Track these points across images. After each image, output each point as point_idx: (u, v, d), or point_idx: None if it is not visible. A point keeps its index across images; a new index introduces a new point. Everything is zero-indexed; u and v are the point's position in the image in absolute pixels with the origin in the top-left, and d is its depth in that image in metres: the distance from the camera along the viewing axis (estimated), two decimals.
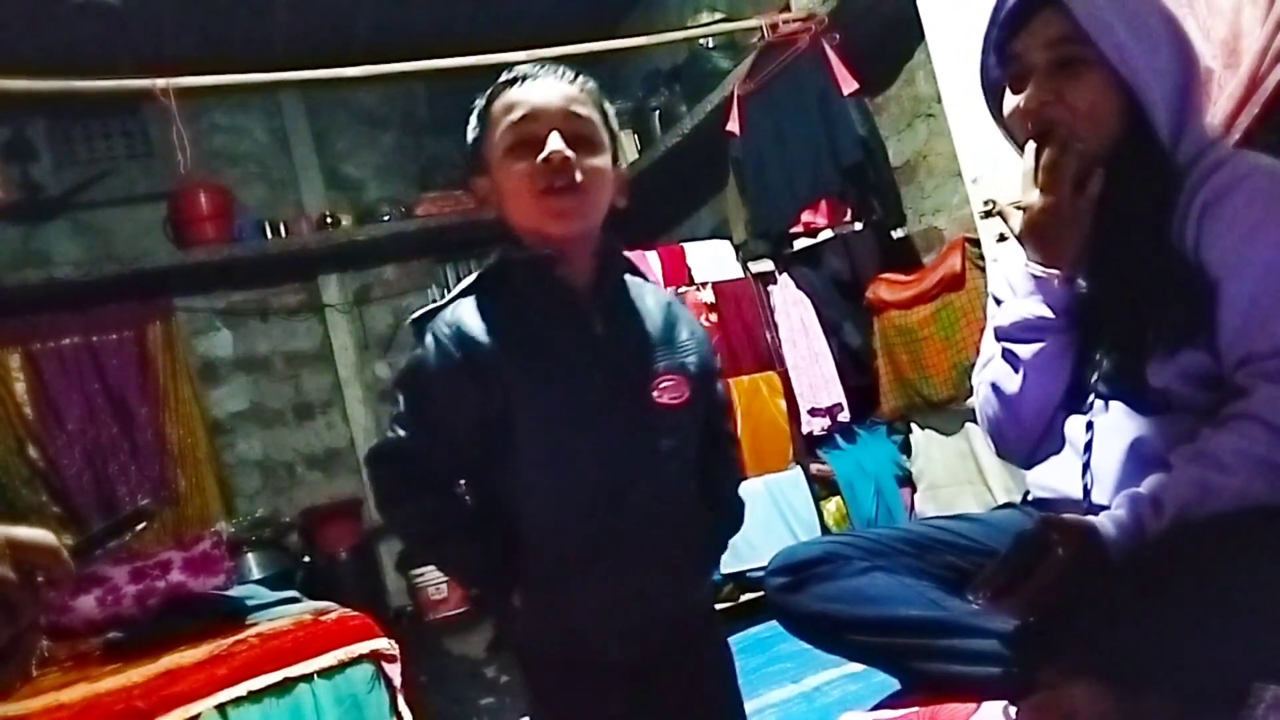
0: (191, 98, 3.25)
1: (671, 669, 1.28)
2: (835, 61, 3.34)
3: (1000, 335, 1.38)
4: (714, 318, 3.58)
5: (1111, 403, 1.27)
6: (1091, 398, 1.29)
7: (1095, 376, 1.29)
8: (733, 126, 3.75)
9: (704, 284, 3.63)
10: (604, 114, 1.26)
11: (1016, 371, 1.36)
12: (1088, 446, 1.28)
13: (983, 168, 2.49)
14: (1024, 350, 1.35)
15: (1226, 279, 1.15)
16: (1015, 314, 1.34)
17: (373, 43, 3.66)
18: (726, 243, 3.82)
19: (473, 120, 1.27)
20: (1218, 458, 1.10)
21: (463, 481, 1.28)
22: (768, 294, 3.66)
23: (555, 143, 1.17)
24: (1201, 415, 1.18)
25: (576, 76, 1.24)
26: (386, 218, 4.66)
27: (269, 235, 4.59)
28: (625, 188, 1.30)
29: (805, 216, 3.51)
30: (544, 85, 1.22)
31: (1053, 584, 1.11)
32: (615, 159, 1.26)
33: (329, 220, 4.69)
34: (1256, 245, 1.14)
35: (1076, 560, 1.11)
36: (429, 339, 1.21)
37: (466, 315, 1.21)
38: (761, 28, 3.55)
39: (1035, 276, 1.31)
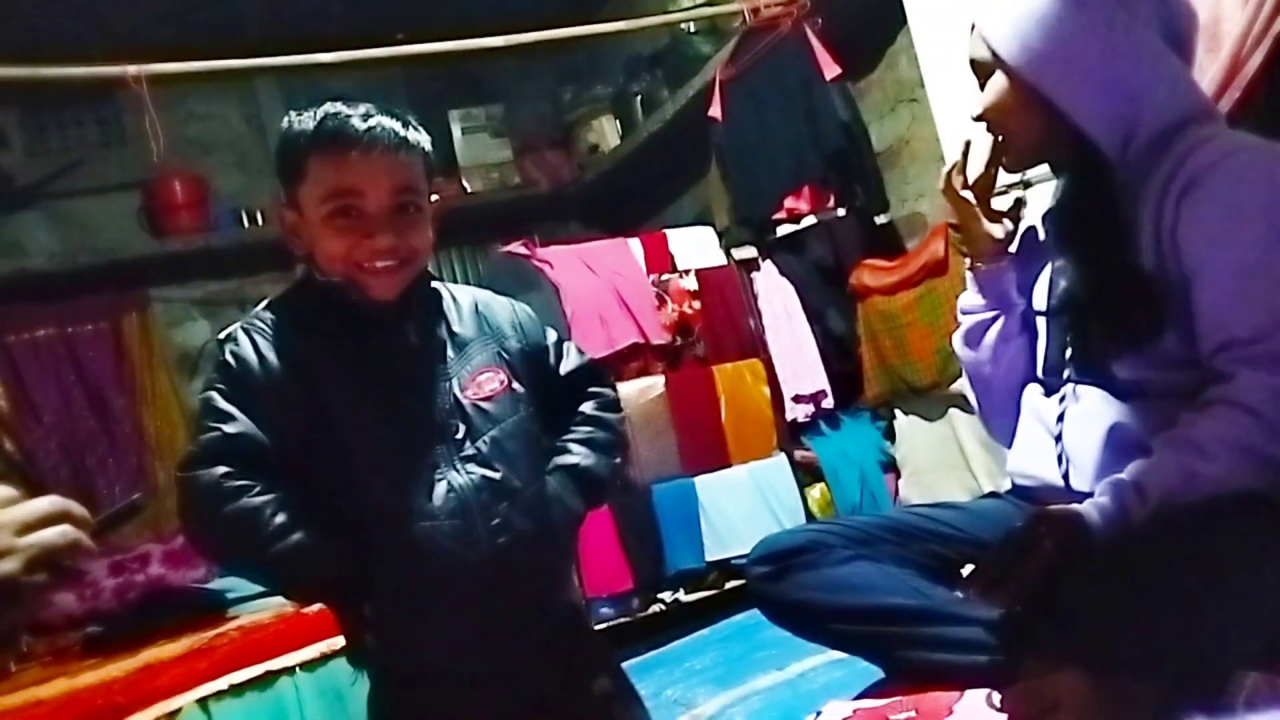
0: (165, 85, 3.20)
1: (536, 677, 1.24)
2: (817, 46, 3.33)
3: (961, 323, 1.48)
4: (697, 305, 3.57)
5: (1084, 387, 1.27)
6: (1066, 381, 1.30)
7: (1067, 362, 1.30)
8: (715, 112, 3.73)
9: (687, 271, 3.61)
10: (427, 161, 1.24)
11: (978, 354, 1.45)
12: (1060, 433, 1.30)
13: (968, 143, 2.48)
14: (981, 337, 1.44)
15: (1205, 263, 1.15)
16: (963, 303, 1.46)
17: (349, 29, 3.61)
18: (709, 229, 3.81)
19: (282, 149, 1.21)
20: (1200, 444, 1.10)
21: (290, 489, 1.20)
22: (751, 281, 3.65)
23: (384, 238, 1.17)
24: (1175, 398, 1.18)
25: (406, 133, 1.20)
26: None
27: (245, 224, 4.54)
28: (440, 215, 1.28)
29: (788, 202, 3.51)
30: (373, 160, 1.16)
31: (1041, 574, 1.11)
32: (430, 194, 1.24)
33: None
34: (1236, 229, 1.14)
35: (1064, 550, 1.11)
36: (224, 363, 1.20)
37: (278, 335, 1.21)
38: (743, 12, 3.53)
39: (969, 270, 1.44)
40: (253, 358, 1.19)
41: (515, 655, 1.23)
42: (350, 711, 2.17)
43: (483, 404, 1.24)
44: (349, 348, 1.22)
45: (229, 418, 1.16)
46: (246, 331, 1.23)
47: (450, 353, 1.26)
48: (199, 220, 4.38)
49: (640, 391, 3.35)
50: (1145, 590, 1.05)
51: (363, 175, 1.16)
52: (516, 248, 3.54)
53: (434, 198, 1.26)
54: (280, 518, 1.14)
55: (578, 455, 1.32)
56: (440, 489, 1.19)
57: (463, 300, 1.34)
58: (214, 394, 1.19)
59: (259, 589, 2.51)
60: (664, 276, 3.57)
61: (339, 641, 2.23)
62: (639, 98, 4.36)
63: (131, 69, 2.88)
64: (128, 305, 4.32)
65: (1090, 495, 1.17)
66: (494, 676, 1.22)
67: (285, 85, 4.84)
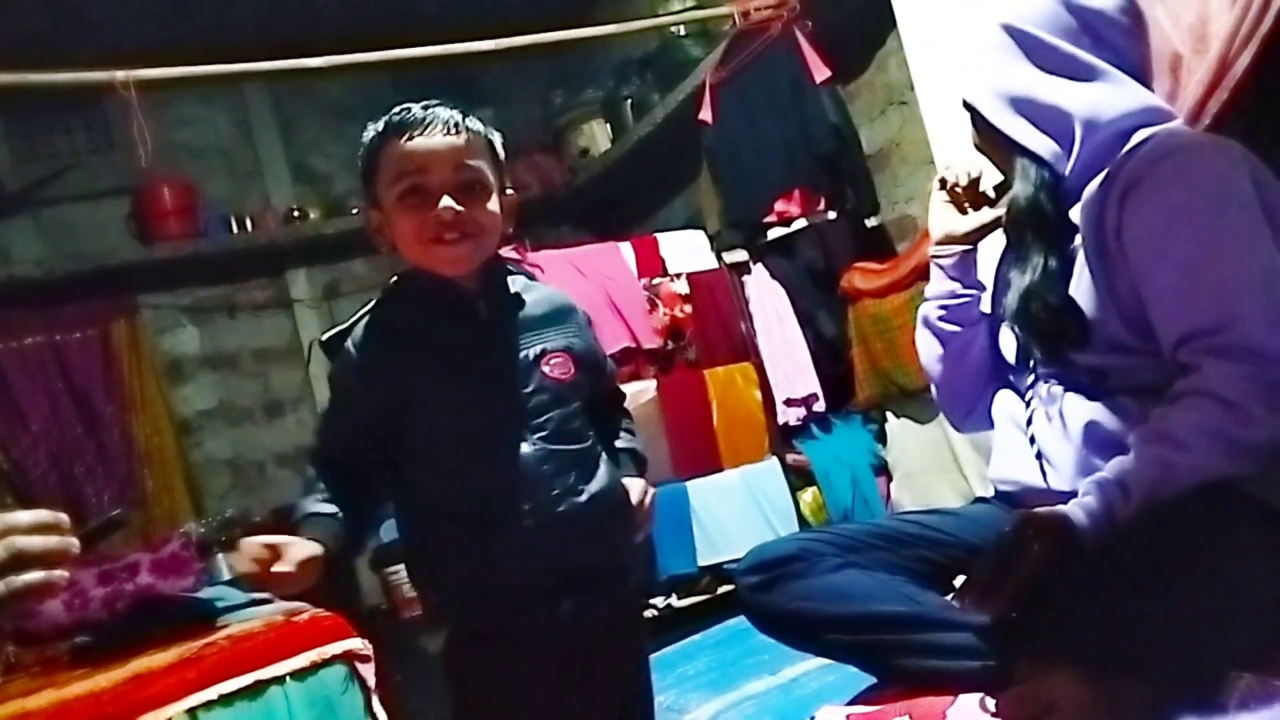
0: (153, 90, 3.18)
1: (590, 639, 1.34)
2: (807, 49, 3.33)
3: (922, 313, 1.56)
4: (688, 308, 3.57)
5: (1052, 387, 1.30)
6: (1031, 377, 1.36)
7: (1031, 358, 1.35)
8: (705, 115, 3.73)
9: (678, 275, 3.61)
10: (493, 152, 1.35)
11: (940, 337, 1.54)
12: (1032, 435, 1.33)
13: (955, 155, 2.48)
14: (941, 327, 1.53)
15: (1154, 262, 1.19)
16: (930, 290, 1.55)
17: (338, 33, 3.61)
18: (700, 233, 3.81)
19: (363, 155, 1.34)
20: (1174, 436, 1.12)
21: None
22: (742, 284, 3.65)
23: (447, 202, 1.26)
24: (1144, 393, 1.20)
25: (464, 121, 1.31)
26: (355, 211, 4.60)
27: (235, 230, 4.52)
28: (515, 211, 1.39)
29: (779, 206, 3.51)
30: (433, 140, 1.28)
31: (1032, 579, 1.11)
32: (503, 189, 1.35)
33: (296, 214, 4.63)
34: (1180, 227, 1.17)
35: (1053, 552, 1.11)
36: (342, 354, 1.34)
37: (370, 327, 1.34)
38: (733, 15, 3.53)
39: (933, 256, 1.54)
40: (352, 350, 1.33)
41: (567, 619, 1.31)
42: None
43: (552, 385, 1.33)
44: (431, 327, 1.32)
45: (333, 417, 1.38)
46: (352, 329, 1.37)
47: (525, 333, 1.36)
48: (188, 226, 4.36)
49: (632, 396, 3.33)
50: (1137, 591, 1.05)
51: (424, 154, 1.27)
52: (507, 252, 3.53)
53: (509, 192, 1.37)
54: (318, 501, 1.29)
55: (636, 443, 1.50)
56: (511, 458, 1.28)
57: (537, 289, 1.43)
58: (330, 392, 1.41)
59: (249, 598, 2.50)
60: (655, 280, 3.57)
61: (330, 650, 2.22)
62: (629, 101, 4.35)
63: (120, 74, 2.87)
64: (116, 312, 4.30)
65: (1072, 494, 1.18)
66: (546, 637, 1.31)
67: (274, 89, 4.83)
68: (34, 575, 0.86)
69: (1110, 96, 1.29)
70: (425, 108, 1.30)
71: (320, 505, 1.28)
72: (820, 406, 3.58)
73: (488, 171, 1.32)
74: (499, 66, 4.34)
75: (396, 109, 1.32)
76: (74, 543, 0.91)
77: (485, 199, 1.30)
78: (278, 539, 1.21)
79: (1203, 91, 1.76)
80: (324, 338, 1.39)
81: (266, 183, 4.82)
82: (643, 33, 4.03)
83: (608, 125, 4.57)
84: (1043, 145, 1.31)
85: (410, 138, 1.28)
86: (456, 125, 1.30)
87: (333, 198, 4.79)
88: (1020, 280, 1.32)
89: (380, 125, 1.32)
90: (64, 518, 0.91)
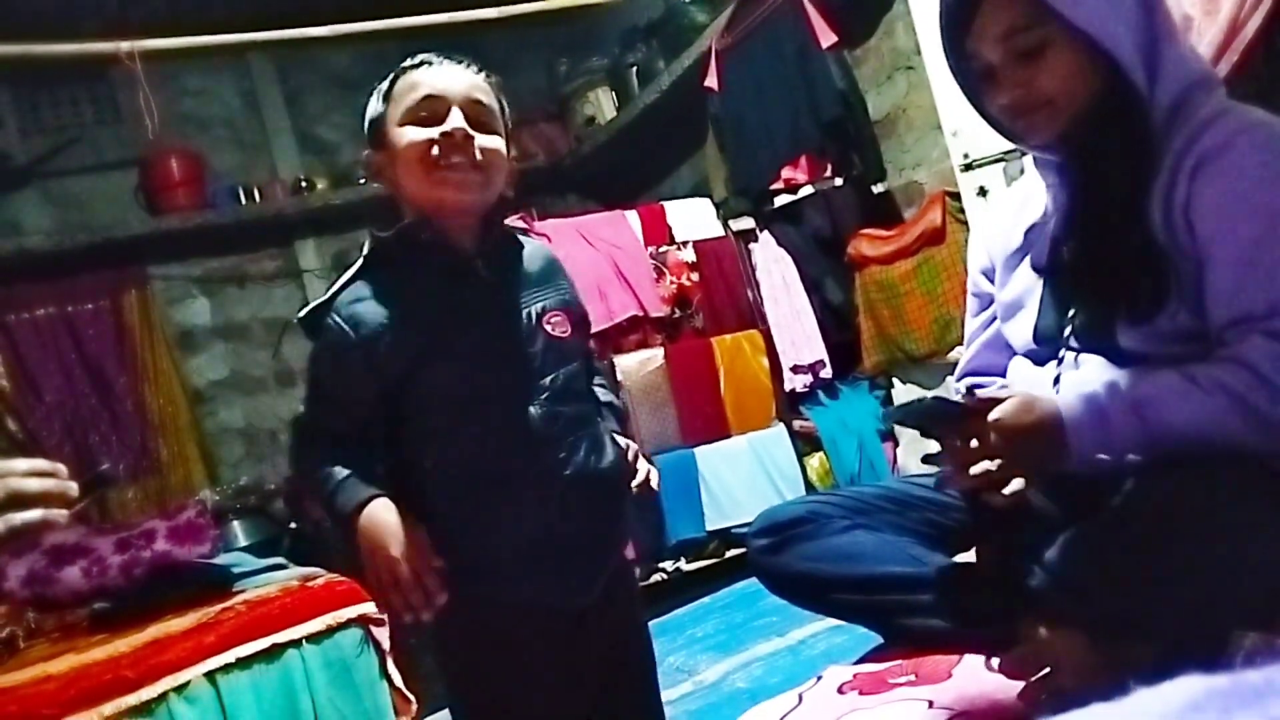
0: (159, 61, 3.18)
1: (595, 605, 1.32)
2: (813, 14, 3.31)
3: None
4: (695, 276, 3.57)
5: (1083, 356, 1.27)
6: (1062, 351, 1.29)
7: (1068, 331, 1.28)
8: (711, 82, 3.71)
9: (685, 243, 3.61)
10: (502, 107, 1.33)
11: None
12: (1055, 381, 1.29)
13: (962, 121, 2.47)
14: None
15: (1219, 240, 1.13)
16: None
17: (342, 2, 3.58)
18: (707, 201, 3.80)
19: (374, 99, 1.31)
20: (1198, 380, 1.10)
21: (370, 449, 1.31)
22: (749, 251, 3.65)
23: (456, 119, 1.24)
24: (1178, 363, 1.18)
25: (480, 68, 1.32)
26: (362, 180, 4.60)
27: (243, 201, 4.52)
28: (515, 179, 1.35)
29: (785, 173, 3.49)
30: (448, 70, 1.29)
31: (1003, 440, 1.11)
32: (508, 150, 1.31)
33: (304, 184, 4.63)
34: (1249, 206, 1.12)
35: (1037, 440, 1.12)
36: (328, 326, 1.26)
37: (359, 297, 1.26)
38: None
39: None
40: (343, 325, 1.24)
41: (573, 582, 1.31)
42: (357, 682, 2.19)
43: (555, 344, 1.31)
44: (430, 290, 1.27)
45: (320, 394, 1.30)
46: (332, 301, 1.28)
47: (526, 291, 1.33)
48: (196, 197, 4.36)
49: (640, 364, 3.36)
50: (1144, 551, 1.06)
51: (439, 76, 1.27)
52: (514, 221, 3.54)
53: (512, 155, 1.33)
54: (339, 472, 1.24)
55: (613, 398, 1.46)
56: (521, 420, 1.26)
57: (530, 247, 1.40)
58: (310, 371, 1.31)
59: (265, 564, 2.54)
60: (662, 249, 3.57)
61: (345, 614, 2.25)
62: (635, 69, 4.33)
63: (125, 45, 2.87)
64: (127, 283, 4.32)
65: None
66: (550, 599, 1.29)
67: (279, 59, 4.80)
68: (32, 514, 0.90)
69: (1183, 46, 1.21)
70: (440, 55, 1.32)
71: (344, 470, 1.25)
72: (827, 373, 3.59)
73: (498, 119, 1.31)
74: (504, 35, 4.31)
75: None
76: (71, 486, 0.95)
77: (496, 139, 1.28)
78: (390, 552, 1.18)
79: (1213, 54, 1.75)
80: (301, 314, 1.24)
81: (273, 153, 4.81)
82: (646, 1, 4.00)
83: (613, 93, 4.55)
84: (1135, 60, 1.17)
85: (425, 67, 1.29)
86: (470, 65, 1.32)
87: (340, 168, 4.78)
88: (1099, 224, 1.21)
89: (392, 74, 1.32)
90: (60, 467, 0.95)
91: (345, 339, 1.23)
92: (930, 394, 1.64)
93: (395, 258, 1.29)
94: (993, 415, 1.13)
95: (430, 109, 1.25)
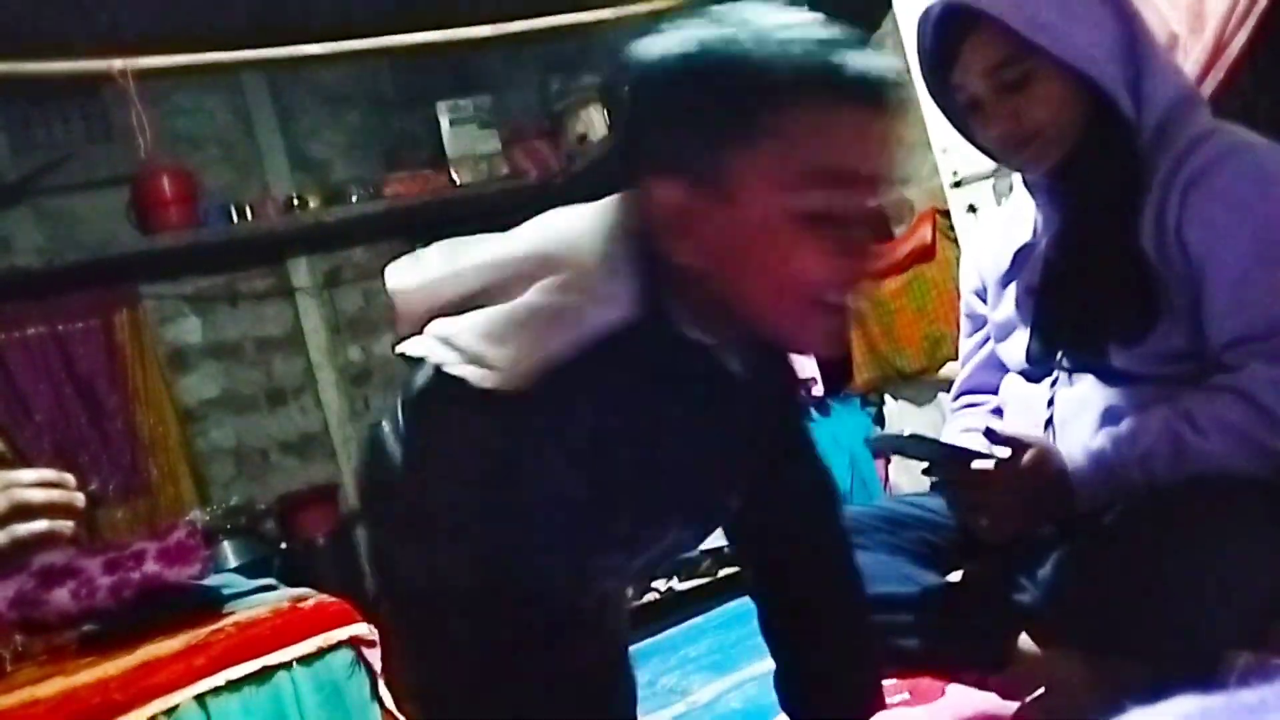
0: (151, 79, 3.18)
1: None
2: None
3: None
4: None
5: (1076, 375, 1.27)
6: (1055, 371, 1.29)
7: (1059, 351, 1.29)
8: None
9: None
10: None
11: None
12: (1050, 416, 1.30)
13: (952, 138, 2.48)
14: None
15: (1214, 260, 1.14)
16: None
17: (335, 20, 3.60)
18: None
19: (716, 76, 0.79)
20: (1195, 420, 1.11)
21: None
22: None
23: (869, 247, 0.82)
24: (1174, 383, 1.18)
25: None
26: (354, 198, 4.60)
27: (235, 219, 4.51)
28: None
29: None
30: (872, 128, 0.80)
31: (1018, 502, 1.12)
32: None
33: (296, 202, 4.63)
34: (1244, 226, 1.13)
35: (1043, 485, 1.12)
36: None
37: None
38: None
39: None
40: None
41: None
42: (348, 705, 2.17)
43: None
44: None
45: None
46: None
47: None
48: (188, 216, 4.35)
49: None
50: (1138, 571, 1.06)
51: (865, 145, 0.80)
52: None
53: None
54: None
55: None
56: None
57: None
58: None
59: (255, 584, 2.52)
60: None
61: (336, 635, 2.23)
62: (626, 88, 4.33)
63: (118, 63, 2.87)
64: (118, 302, 4.30)
65: None
66: None
67: (272, 77, 4.81)
68: (37, 524, 0.89)
69: (1168, 64, 1.22)
70: (857, 43, 0.83)
71: None
72: (818, 390, 3.59)
73: None
74: (497, 52, 4.33)
75: (810, 32, 0.80)
76: (79, 496, 0.93)
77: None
78: None
79: (1199, 71, 1.77)
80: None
81: (265, 171, 4.80)
82: (640, 18, 4.02)
83: (605, 111, 4.56)
84: (1119, 88, 1.17)
85: (839, 109, 0.78)
86: (892, 95, 0.83)
87: (332, 185, 4.78)
88: (1088, 244, 1.21)
89: (785, 50, 0.78)
90: (68, 476, 0.93)
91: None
92: (907, 431, 1.67)
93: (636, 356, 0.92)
94: (1004, 464, 1.14)
95: (841, 206, 0.83)
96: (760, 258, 0.80)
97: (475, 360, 0.83)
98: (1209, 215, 1.15)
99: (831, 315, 0.84)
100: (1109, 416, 1.21)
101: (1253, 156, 1.16)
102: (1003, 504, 1.15)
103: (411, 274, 0.96)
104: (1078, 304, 1.25)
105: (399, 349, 0.92)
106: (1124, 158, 1.20)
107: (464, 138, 4.78)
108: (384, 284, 1.00)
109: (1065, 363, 1.29)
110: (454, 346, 0.85)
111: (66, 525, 0.93)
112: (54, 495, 0.92)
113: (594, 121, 4.63)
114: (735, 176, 0.80)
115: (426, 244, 0.98)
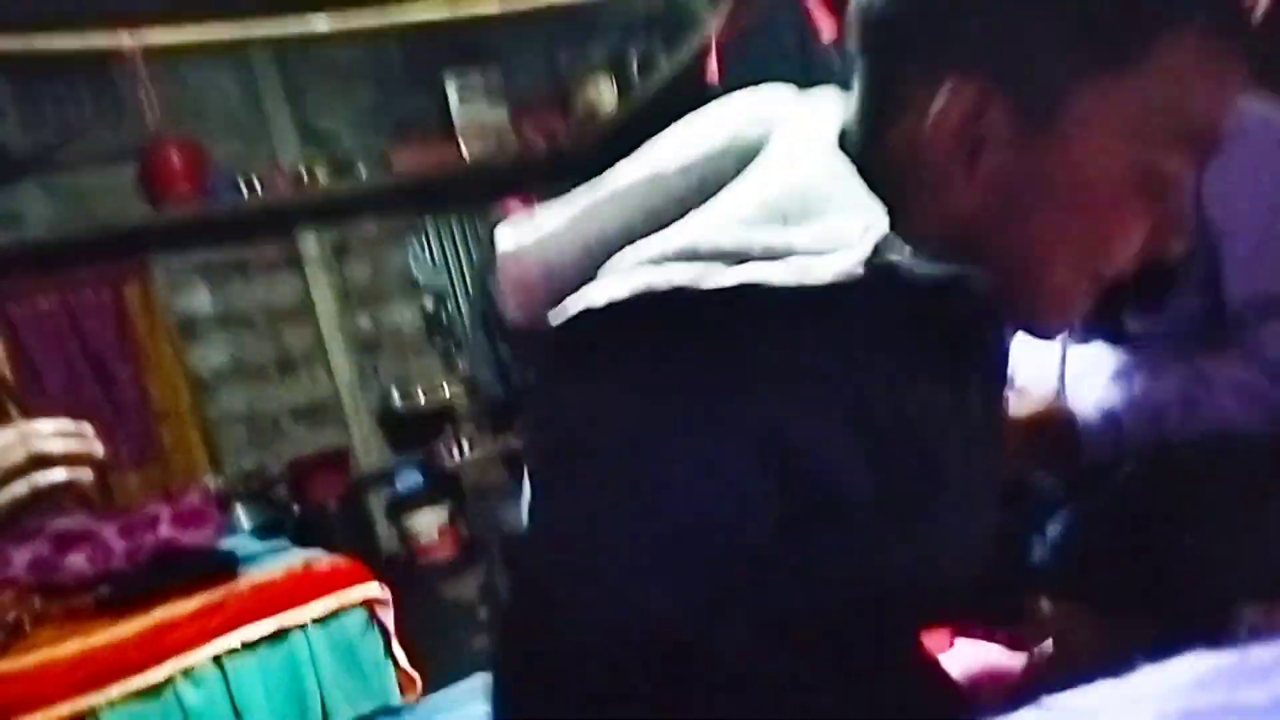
0: (160, 54, 3.18)
1: None
2: (815, 6, 3.30)
3: None
4: None
5: (1087, 340, 1.28)
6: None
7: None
8: (711, 75, 3.70)
9: None
10: None
11: None
12: (1060, 375, 1.31)
13: None
14: None
15: (1235, 222, 1.14)
16: None
17: None
18: None
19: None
20: (1209, 380, 1.11)
21: None
22: None
23: (1183, 222, 0.68)
24: (1188, 341, 1.19)
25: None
26: (363, 171, 4.61)
27: (244, 191, 4.52)
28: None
29: None
30: (1235, 81, 0.64)
31: (1017, 440, 1.13)
32: None
33: (305, 174, 4.63)
34: (1266, 189, 1.13)
35: (1051, 440, 1.13)
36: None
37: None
38: None
39: None
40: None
41: None
42: (362, 663, 2.20)
43: None
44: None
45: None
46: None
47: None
48: (197, 188, 4.36)
49: None
50: (1148, 526, 1.06)
51: (1223, 109, 0.64)
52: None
53: None
54: None
55: None
56: None
57: None
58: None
59: (268, 547, 2.55)
60: None
61: (349, 596, 2.26)
62: (635, 59, 4.33)
63: (127, 39, 2.87)
64: (129, 274, 4.33)
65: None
66: None
67: (280, 51, 4.80)
68: (57, 473, 0.89)
69: None
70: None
71: None
72: None
73: None
74: (504, 25, 4.31)
75: None
76: (98, 445, 0.93)
77: None
78: None
79: None
80: None
81: (274, 144, 4.81)
82: None
83: (614, 83, 4.55)
84: None
85: (1230, 44, 0.62)
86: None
87: (340, 157, 4.79)
88: None
89: None
90: (86, 425, 0.93)
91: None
92: None
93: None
94: (1012, 414, 1.15)
95: (1177, 163, 0.67)
96: (1068, 209, 0.63)
97: (773, 254, 0.59)
98: (1231, 179, 1.14)
99: (1091, 295, 0.69)
100: (1121, 372, 1.22)
101: (1272, 121, 1.17)
102: (1009, 451, 1.16)
103: (526, 232, 0.74)
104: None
105: (574, 309, 0.63)
106: None
107: (472, 110, 4.77)
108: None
109: (1075, 329, 1.30)
110: (718, 254, 0.60)
111: (86, 474, 0.93)
112: (72, 445, 0.92)
113: (602, 93, 4.62)
114: (1075, 102, 0.61)
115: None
